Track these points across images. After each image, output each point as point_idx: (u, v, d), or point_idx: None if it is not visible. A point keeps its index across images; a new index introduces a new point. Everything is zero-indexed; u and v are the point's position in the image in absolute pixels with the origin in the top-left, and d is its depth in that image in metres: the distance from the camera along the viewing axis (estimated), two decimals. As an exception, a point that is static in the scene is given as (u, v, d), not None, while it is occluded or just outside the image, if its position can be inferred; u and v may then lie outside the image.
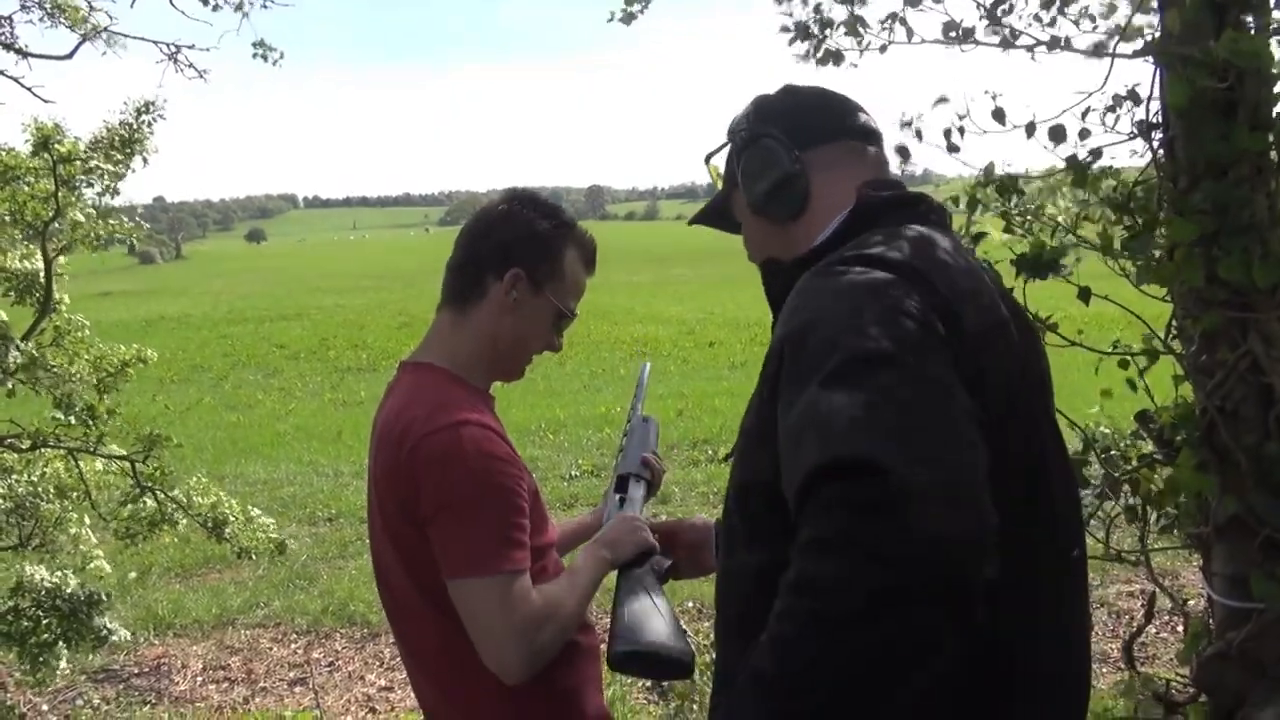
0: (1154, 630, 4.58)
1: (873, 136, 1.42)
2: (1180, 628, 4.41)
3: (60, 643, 3.89)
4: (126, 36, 4.22)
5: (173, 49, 4.36)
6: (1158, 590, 2.56)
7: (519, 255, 1.74)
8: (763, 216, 1.39)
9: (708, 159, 1.56)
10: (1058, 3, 2.26)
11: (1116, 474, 2.39)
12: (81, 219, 4.04)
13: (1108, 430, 2.64)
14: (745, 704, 0.92)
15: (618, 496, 1.95)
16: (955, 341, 1.07)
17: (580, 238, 1.82)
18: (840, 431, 0.92)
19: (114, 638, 4.13)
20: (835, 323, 1.05)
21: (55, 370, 3.92)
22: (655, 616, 1.60)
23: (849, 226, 1.30)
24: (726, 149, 1.49)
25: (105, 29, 4.15)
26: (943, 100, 2.21)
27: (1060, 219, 2.36)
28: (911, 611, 0.86)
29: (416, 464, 1.59)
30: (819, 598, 0.87)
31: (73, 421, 3.88)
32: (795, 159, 1.34)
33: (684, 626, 1.51)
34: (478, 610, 1.56)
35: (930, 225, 1.29)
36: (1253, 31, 1.84)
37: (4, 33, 3.96)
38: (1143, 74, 2.12)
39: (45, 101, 4.00)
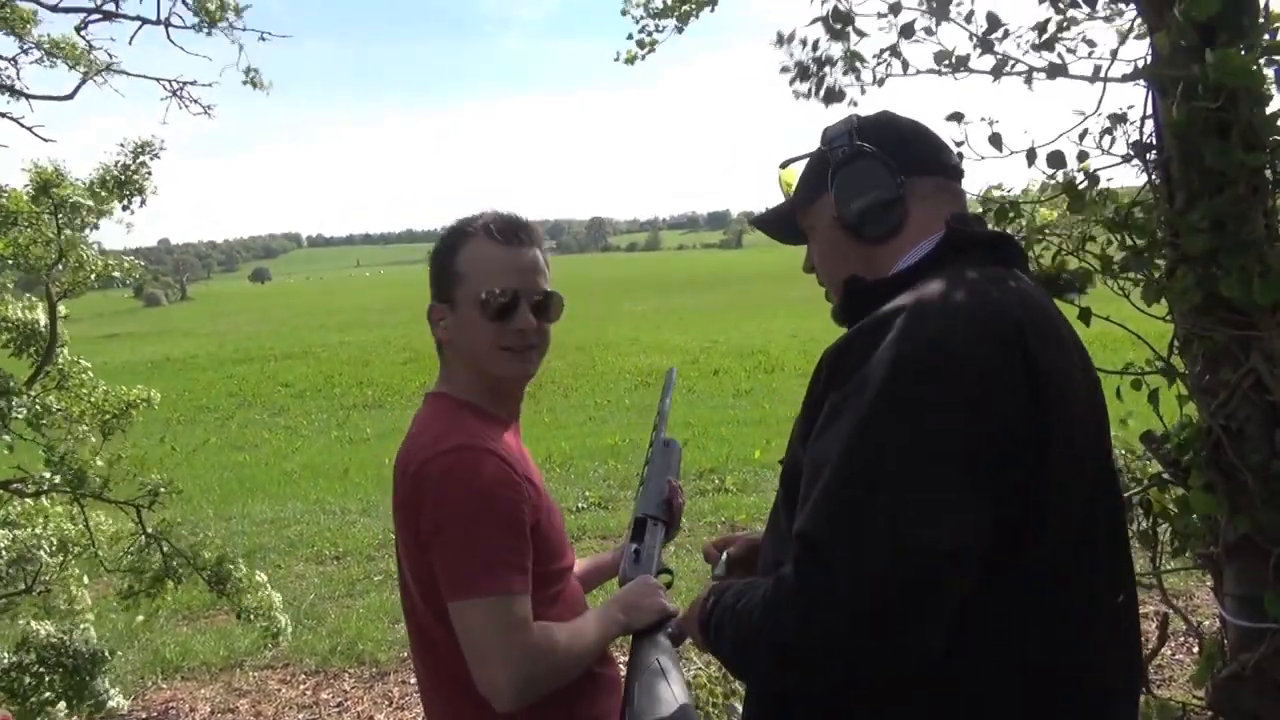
0: (1169, 652, 4.52)
1: (959, 175, 1.46)
2: (1196, 649, 4.36)
3: (61, 701, 3.83)
4: (129, 74, 4.25)
5: (176, 85, 4.39)
6: (1171, 612, 2.54)
7: (432, 290, 1.79)
8: (850, 233, 1.40)
9: (783, 166, 1.58)
10: (1050, 30, 2.27)
11: (1126, 494, 2.38)
12: (85, 261, 4.05)
13: (1118, 451, 2.63)
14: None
15: (634, 547, 1.93)
16: (1027, 399, 1.12)
17: (481, 225, 1.77)
18: (823, 506, 1.11)
19: (111, 704, 4.07)
20: (893, 380, 1.12)
21: (59, 413, 3.91)
22: (666, 701, 1.58)
23: (935, 257, 1.32)
24: (804, 160, 1.51)
25: (107, 67, 4.18)
26: (955, 117, 2.21)
27: (1060, 240, 2.36)
28: (797, 654, 1.12)
29: (418, 488, 1.61)
30: (770, 612, 1.15)
31: (58, 480, 3.81)
32: (900, 183, 1.36)
33: (693, 698, 1.52)
34: (472, 631, 1.56)
35: (1012, 265, 1.33)
36: (1242, 52, 1.85)
37: (7, 74, 3.99)
38: (1136, 96, 2.13)
39: (45, 141, 4.03)
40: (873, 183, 1.37)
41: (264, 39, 4.37)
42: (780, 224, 1.59)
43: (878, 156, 1.37)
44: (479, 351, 1.74)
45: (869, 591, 1.04)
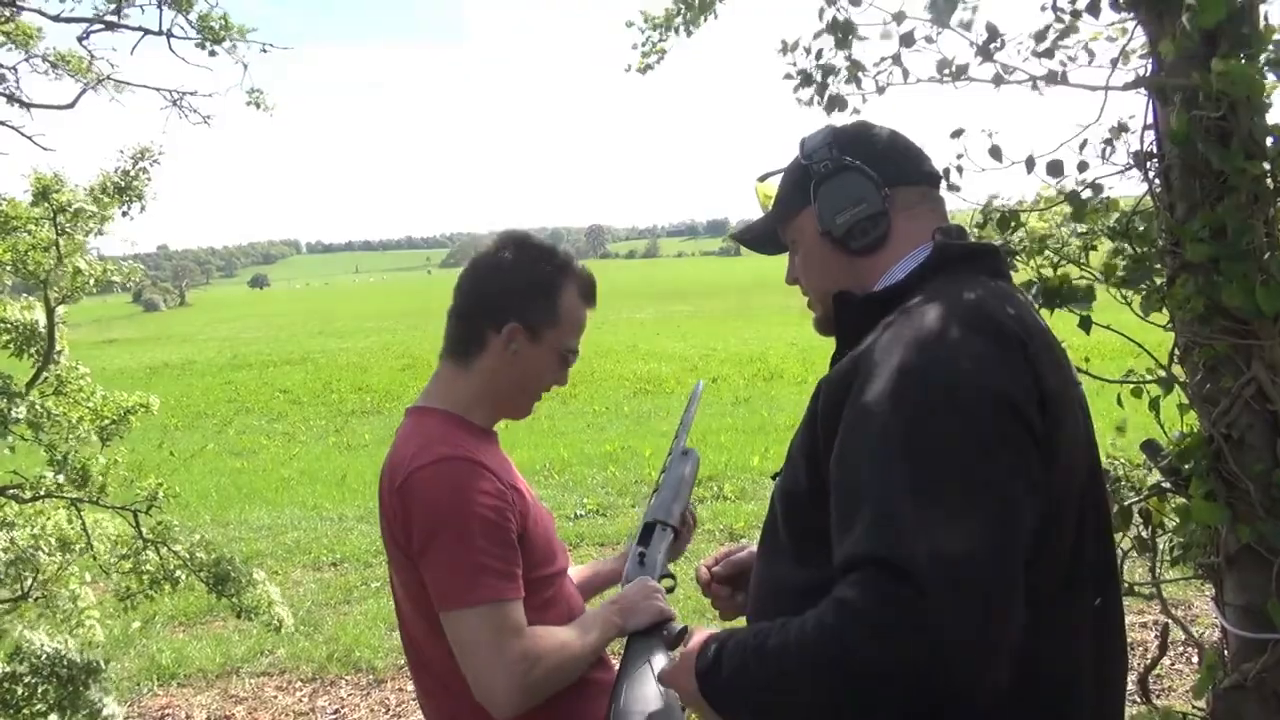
0: (1169, 662, 4.51)
1: (939, 182, 1.46)
2: (1196, 659, 4.35)
3: (53, 714, 3.79)
4: (129, 84, 4.25)
5: (176, 95, 4.39)
6: (1171, 622, 2.53)
7: (516, 307, 1.74)
8: (836, 246, 1.39)
9: (761, 179, 1.58)
10: (1050, 38, 2.27)
11: (1125, 504, 2.38)
12: (84, 267, 4.03)
13: (1117, 460, 2.62)
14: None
15: (639, 550, 1.92)
16: (1038, 411, 1.12)
17: (577, 274, 1.80)
18: (887, 524, 1.02)
19: (106, 712, 4.04)
20: (924, 388, 1.09)
21: (57, 418, 3.90)
22: (651, 699, 1.58)
23: (925, 270, 1.32)
24: (779, 175, 1.51)
25: (108, 77, 4.18)
26: (957, 134, 2.21)
27: (1065, 249, 2.36)
28: (888, 692, 0.99)
29: (404, 500, 1.61)
30: (837, 639, 1.01)
31: (61, 480, 3.80)
32: (885, 196, 1.36)
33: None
34: (467, 641, 1.56)
35: (1001, 278, 1.33)
36: (1243, 60, 1.85)
37: (8, 84, 3.99)
38: (1136, 105, 2.13)
39: (45, 150, 4.03)
40: (857, 195, 1.36)
41: (265, 50, 4.36)
42: (761, 237, 1.59)
43: (861, 169, 1.37)
44: (521, 388, 1.80)
45: (963, 608, 0.97)
